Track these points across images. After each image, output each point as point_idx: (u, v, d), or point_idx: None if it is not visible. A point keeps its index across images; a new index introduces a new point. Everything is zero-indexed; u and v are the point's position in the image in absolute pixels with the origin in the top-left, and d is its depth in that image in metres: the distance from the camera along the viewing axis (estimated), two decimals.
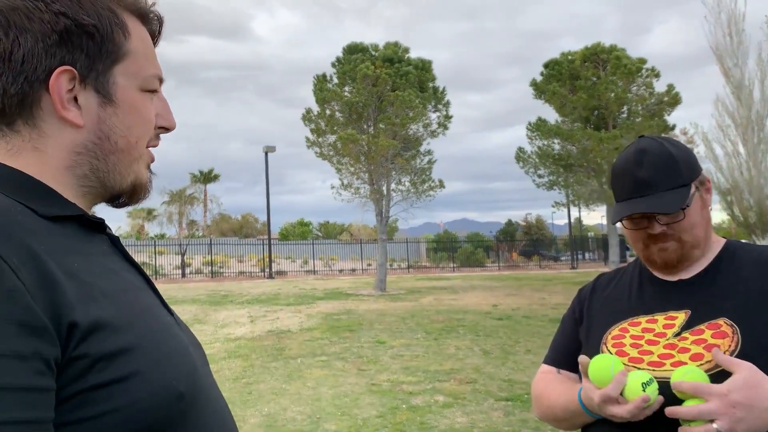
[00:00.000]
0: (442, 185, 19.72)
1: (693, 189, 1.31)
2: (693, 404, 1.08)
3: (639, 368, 1.23)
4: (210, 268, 30.11)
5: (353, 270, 31.94)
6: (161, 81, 0.78)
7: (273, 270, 27.81)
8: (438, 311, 13.19)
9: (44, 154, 0.70)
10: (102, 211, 0.83)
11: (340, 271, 31.77)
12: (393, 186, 19.37)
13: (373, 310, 13.49)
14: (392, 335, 10.19)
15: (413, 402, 6.15)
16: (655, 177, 1.29)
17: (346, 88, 18.98)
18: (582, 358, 1.21)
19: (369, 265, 32.70)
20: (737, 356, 1.14)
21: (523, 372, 7.28)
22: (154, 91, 0.78)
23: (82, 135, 0.71)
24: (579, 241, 42.37)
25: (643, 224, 1.32)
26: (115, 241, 0.77)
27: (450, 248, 39.17)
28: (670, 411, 1.09)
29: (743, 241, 1.46)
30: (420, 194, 19.46)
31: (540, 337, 9.64)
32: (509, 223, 62.98)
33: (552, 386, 1.41)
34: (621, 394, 1.15)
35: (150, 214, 59.82)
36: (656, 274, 1.37)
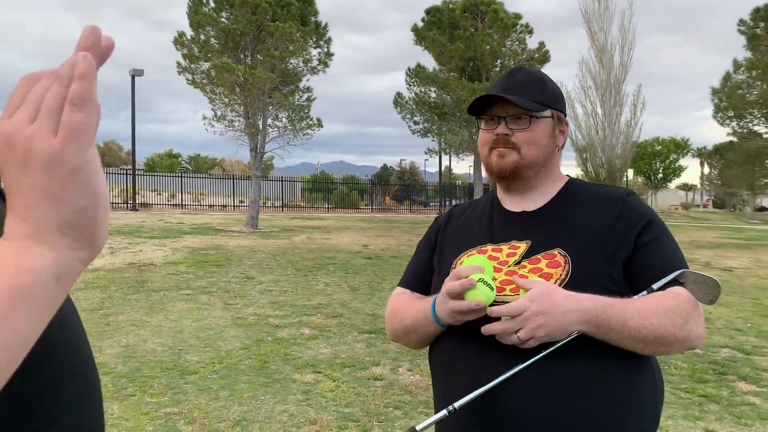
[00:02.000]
0: (320, 125, 19.50)
1: (550, 114, 1.41)
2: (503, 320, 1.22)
3: None
4: None
5: (224, 206, 31.05)
6: None
7: (137, 202, 26.40)
8: (310, 249, 13.33)
9: None
10: None
11: (210, 206, 30.78)
12: (269, 121, 18.86)
13: (243, 247, 13.31)
14: (262, 271, 10.17)
15: (279, 335, 6.24)
16: (521, 86, 1.40)
17: (224, 14, 17.97)
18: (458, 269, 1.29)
19: (241, 202, 31.97)
20: (566, 284, 1.24)
21: (386, 307, 7.60)
22: None
23: None
24: (447, 188, 44.06)
25: (493, 126, 1.40)
26: None
27: (325, 189, 39.17)
28: (486, 329, 1.23)
29: (581, 180, 1.56)
30: (297, 132, 19.13)
31: None
32: (384, 167, 64.08)
33: (405, 302, 1.47)
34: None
35: None
36: (505, 205, 1.46)
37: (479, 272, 1.24)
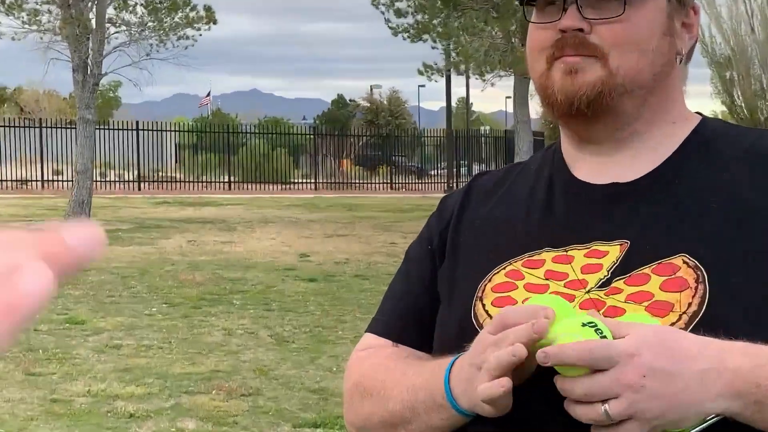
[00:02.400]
0: (211, 19, 19.41)
1: None
2: (578, 374, 1.19)
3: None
4: None
5: (23, 182, 30.93)
6: None
7: None
8: (194, 265, 13.57)
9: None
10: None
11: (1, 182, 30.61)
12: (111, 13, 18.68)
13: None
14: (99, 309, 10.38)
15: None
16: None
17: None
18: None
19: (57, 173, 31.78)
20: (701, 320, 1.27)
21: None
22: None
23: None
24: (464, 139, 43.89)
25: (554, 16, 1.43)
26: None
27: (225, 146, 38.84)
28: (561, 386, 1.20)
29: (724, 121, 1.61)
30: (167, 33, 18.99)
31: None
32: (340, 102, 63.73)
33: (387, 368, 1.50)
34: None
35: None
36: (577, 173, 1.50)
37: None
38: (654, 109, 1.46)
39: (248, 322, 9.97)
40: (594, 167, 1.48)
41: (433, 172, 43.98)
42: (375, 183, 40.23)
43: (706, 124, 1.50)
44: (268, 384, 7.60)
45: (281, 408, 6.92)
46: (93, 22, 18.24)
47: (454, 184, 36.17)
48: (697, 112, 1.54)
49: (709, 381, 1.18)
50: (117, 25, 18.92)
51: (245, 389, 7.39)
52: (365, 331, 1.62)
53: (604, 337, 1.19)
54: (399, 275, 1.64)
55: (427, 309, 1.54)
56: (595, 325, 1.20)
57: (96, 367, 7.91)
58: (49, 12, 18.34)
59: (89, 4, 18.13)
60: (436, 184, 39.72)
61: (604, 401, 1.17)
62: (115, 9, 18.83)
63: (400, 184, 40.49)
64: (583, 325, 1.21)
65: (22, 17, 18.37)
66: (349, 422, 1.57)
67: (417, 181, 41.76)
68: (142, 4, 19.03)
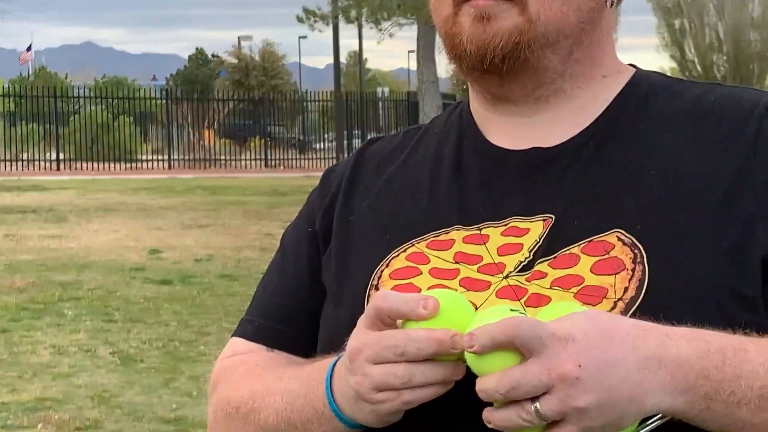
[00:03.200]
0: None
1: None
2: (502, 365, 1.15)
3: None
4: None
5: None
6: None
7: None
8: (13, 266, 13.42)
9: None
10: None
11: None
12: None
13: None
14: None
15: None
16: None
17: None
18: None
19: None
20: (640, 307, 1.27)
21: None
22: None
23: None
24: (357, 104, 43.82)
25: None
26: None
27: (52, 115, 38.34)
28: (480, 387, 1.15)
29: (663, 74, 1.62)
30: None
31: None
32: (199, 58, 63.40)
33: (262, 376, 1.50)
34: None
35: None
36: (491, 137, 1.53)
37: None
38: (581, 61, 1.49)
39: (84, 336, 9.95)
40: (511, 130, 1.51)
41: (318, 146, 43.48)
42: (245, 160, 39.47)
43: (642, 77, 1.53)
44: (110, 414, 7.66)
45: None
46: None
47: (343, 155, 35.77)
48: (631, 65, 1.57)
49: (651, 371, 1.18)
50: None
51: (80, 421, 7.41)
52: (232, 335, 1.60)
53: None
54: (273, 266, 1.63)
55: (308, 305, 1.54)
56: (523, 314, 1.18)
57: None
58: None
59: None
60: (322, 161, 38.75)
61: (533, 399, 1.13)
62: None
63: (278, 161, 39.63)
64: (511, 310, 1.18)
65: None
66: None
67: (299, 156, 41.15)
68: None
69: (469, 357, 1.17)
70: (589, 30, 1.49)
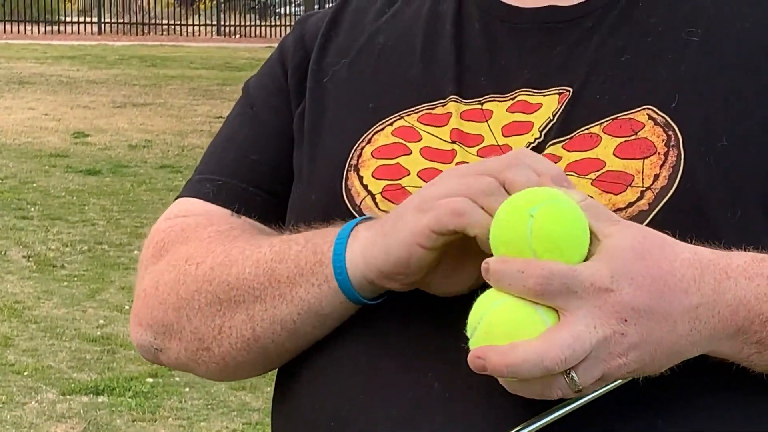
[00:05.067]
0: None
1: None
2: (524, 331, 0.75)
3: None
4: None
5: None
6: None
7: None
8: None
9: None
10: None
11: None
12: None
13: None
14: None
15: None
16: None
17: None
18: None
19: None
20: (671, 199, 0.87)
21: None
22: None
23: None
24: None
25: None
26: None
27: None
28: (474, 357, 0.75)
29: None
30: None
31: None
32: None
33: (233, 237, 0.99)
34: None
35: None
36: None
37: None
38: None
39: None
40: None
41: (282, 10, 31.84)
42: (193, 25, 28.18)
43: None
44: (23, 330, 5.66)
45: (44, 366, 5.13)
46: None
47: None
48: None
49: (702, 321, 0.81)
50: None
51: None
52: (178, 197, 1.06)
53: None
54: (237, 118, 1.07)
55: (274, 164, 1.02)
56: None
57: None
58: None
59: None
60: (287, 27, 25.81)
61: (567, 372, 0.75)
62: None
63: (232, 27, 27.71)
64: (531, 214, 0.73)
65: None
66: (146, 324, 0.97)
67: (258, 23, 28.99)
68: None
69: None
70: None
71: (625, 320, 0.71)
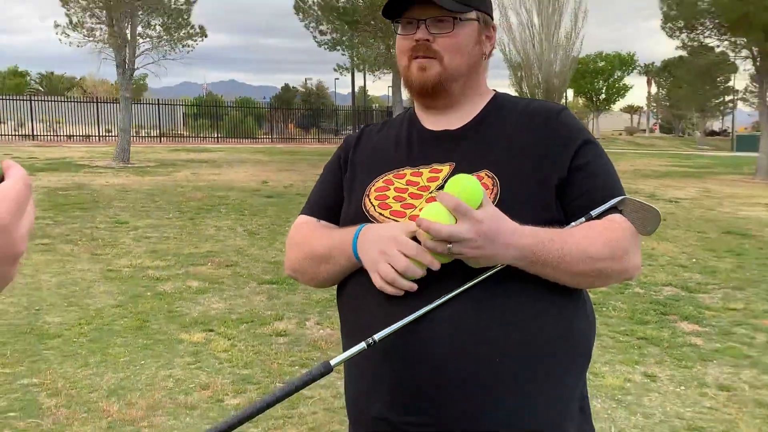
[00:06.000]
0: (204, 34, 18.86)
1: (475, 16, 1.43)
2: (442, 221, 1.20)
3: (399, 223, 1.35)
4: None
5: (86, 137, 29.97)
6: None
7: None
8: (196, 188, 13.20)
9: None
10: None
11: (69, 137, 29.58)
12: (140, 30, 18.04)
13: (113, 185, 13.10)
14: (136, 215, 10.03)
15: (160, 288, 6.22)
16: None
17: None
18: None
19: (108, 131, 30.91)
20: (498, 201, 1.29)
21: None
22: None
23: None
24: (362, 113, 43.98)
25: (411, 31, 1.41)
26: None
27: (214, 115, 38.26)
28: (421, 222, 1.20)
29: (512, 94, 1.61)
30: (175, 43, 18.44)
31: None
32: (286, 88, 62.93)
33: (317, 230, 1.48)
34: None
35: None
36: (424, 124, 1.49)
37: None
38: (469, 87, 1.46)
39: (230, 222, 9.67)
40: (434, 121, 1.48)
41: (343, 132, 43.85)
42: (308, 138, 39.90)
43: (498, 95, 1.51)
44: (242, 259, 7.42)
45: (251, 273, 6.81)
46: (128, 35, 17.65)
47: None
48: (494, 89, 1.53)
49: (510, 249, 1.22)
50: (144, 37, 18.30)
51: (228, 262, 7.26)
52: (299, 214, 1.57)
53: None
54: (320, 179, 1.59)
55: (338, 199, 1.51)
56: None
57: (135, 250, 7.79)
58: (101, 29, 17.64)
59: (126, 24, 17.49)
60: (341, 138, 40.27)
61: (449, 243, 1.19)
62: (142, 27, 18.20)
63: (324, 139, 40.19)
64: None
65: (83, 32, 17.66)
66: (288, 263, 1.52)
67: (334, 137, 41.54)
68: (159, 24, 18.44)
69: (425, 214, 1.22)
70: (473, 71, 1.47)
71: (479, 234, 1.18)
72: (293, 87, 62.55)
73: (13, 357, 4.39)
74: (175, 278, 6.56)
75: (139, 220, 9.57)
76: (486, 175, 1.34)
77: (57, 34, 17.73)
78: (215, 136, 35.37)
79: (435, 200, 1.26)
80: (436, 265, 1.22)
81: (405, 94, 31.29)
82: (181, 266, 7.06)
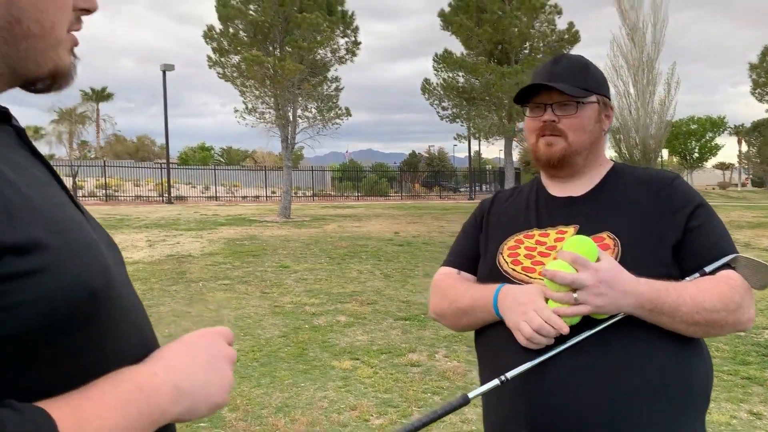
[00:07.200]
0: (348, 114, 19.54)
1: (595, 99, 1.42)
2: (568, 271, 1.18)
3: (531, 278, 1.32)
4: (104, 191, 28.61)
5: (257, 197, 31.27)
6: None
7: (172, 195, 26.84)
8: (342, 237, 13.33)
9: None
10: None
11: (244, 198, 31.02)
12: (299, 112, 18.97)
13: (277, 236, 13.44)
14: (296, 260, 10.24)
15: (316, 322, 6.32)
16: (565, 72, 1.41)
17: (251, 6, 18.07)
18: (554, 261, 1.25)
19: (273, 192, 32.27)
20: (620, 258, 1.25)
21: (420, 294, 7.61)
22: None
23: None
24: (478, 174, 43.81)
25: (539, 113, 1.41)
26: (20, 133, 0.72)
27: (355, 177, 39.42)
28: (546, 271, 1.20)
29: (625, 163, 1.59)
30: (327, 122, 19.21)
31: (438, 262, 9.75)
32: (413, 154, 63.90)
33: (459, 283, 1.46)
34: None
35: (37, 132, 55.37)
36: (550, 191, 1.47)
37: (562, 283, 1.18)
38: (591, 159, 1.44)
39: (369, 266, 9.71)
40: (559, 188, 1.46)
41: (462, 189, 43.77)
42: (431, 195, 40.04)
43: (615, 165, 1.47)
44: (380, 298, 7.40)
45: (388, 310, 6.78)
46: (291, 117, 18.61)
47: (473, 196, 35.96)
48: (611, 159, 1.50)
49: (628, 297, 1.18)
50: (302, 118, 19.24)
51: (369, 300, 7.26)
52: (441, 265, 1.55)
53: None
54: (460, 236, 1.58)
55: (476, 254, 1.50)
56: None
57: (295, 289, 7.98)
58: (269, 112, 18.72)
59: (289, 108, 18.49)
60: (462, 195, 39.43)
61: (574, 290, 1.17)
62: (301, 110, 19.15)
63: (445, 195, 40.15)
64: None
65: (256, 115, 18.79)
66: (432, 308, 1.51)
67: (453, 194, 41.52)
68: (314, 108, 19.34)
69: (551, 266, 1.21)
70: (595, 146, 1.44)
71: (600, 282, 1.14)
72: (418, 153, 63.42)
73: None
74: (327, 314, 6.65)
75: (298, 265, 9.79)
76: (608, 236, 1.30)
77: (236, 117, 18.97)
78: (356, 194, 36.30)
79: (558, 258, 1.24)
80: (565, 330, 1.19)
81: (515, 156, 31.22)
82: (331, 303, 7.13)
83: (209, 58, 18.19)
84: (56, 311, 0.60)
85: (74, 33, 0.73)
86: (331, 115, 19.27)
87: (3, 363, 0.57)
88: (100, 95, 57.27)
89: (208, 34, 18.10)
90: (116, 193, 29.19)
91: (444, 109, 23.61)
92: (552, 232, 1.38)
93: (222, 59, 18.16)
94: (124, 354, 0.69)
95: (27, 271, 0.57)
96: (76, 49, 0.74)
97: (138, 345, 0.73)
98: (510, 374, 1.19)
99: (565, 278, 1.17)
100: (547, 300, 1.22)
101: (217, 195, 31.05)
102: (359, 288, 8.09)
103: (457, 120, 23.83)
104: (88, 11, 0.74)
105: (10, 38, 0.65)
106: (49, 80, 0.71)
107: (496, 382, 1.20)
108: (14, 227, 0.58)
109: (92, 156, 52.30)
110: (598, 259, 1.18)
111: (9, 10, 0.64)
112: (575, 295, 1.16)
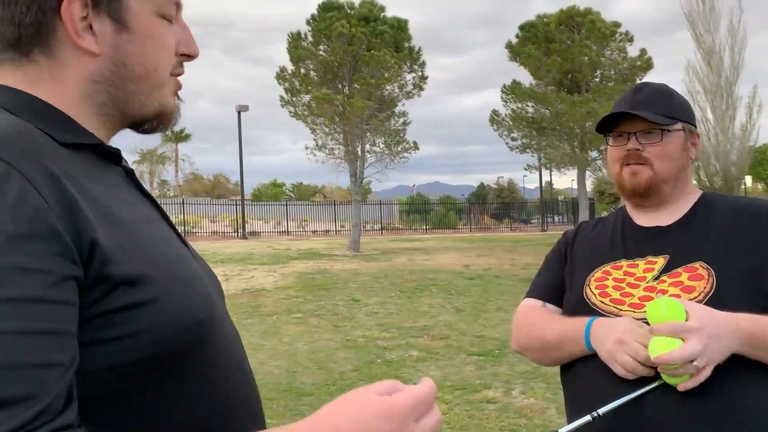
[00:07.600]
0: (416, 147, 19.70)
1: (680, 127, 1.39)
2: (672, 348, 1.11)
3: (620, 309, 1.29)
4: (182, 228, 29.83)
5: (327, 231, 31.81)
6: (179, 6, 0.75)
7: (246, 230, 27.67)
8: (411, 271, 13.28)
9: (62, 84, 0.69)
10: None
11: (314, 232, 31.63)
12: (367, 147, 19.31)
13: (348, 270, 13.57)
14: (366, 294, 10.29)
15: (388, 357, 6.32)
16: (648, 101, 1.39)
17: (321, 47, 18.68)
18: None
19: (342, 226, 32.63)
20: (712, 297, 1.21)
21: (494, 328, 7.50)
22: (171, 18, 0.75)
23: (98, 63, 0.70)
24: (549, 205, 42.90)
25: (622, 142, 1.39)
26: (130, 174, 0.77)
27: (423, 210, 39.47)
28: (658, 361, 1.12)
29: (715, 192, 1.53)
30: (394, 156, 19.44)
31: (510, 296, 9.65)
32: (481, 186, 63.50)
33: (546, 316, 1.44)
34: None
35: None
36: (636, 221, 1.44)
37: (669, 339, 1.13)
38: (678, 187, 1.41)
39: (440, 300, 9.61)
40: (645, 218, 1.43)
41: (533, 221, 42.93)
42: (501, 227, 39.36)
43: (705, 194, 1.44)
44: (453, 333, 7.32)
45: (461, 345, 6.69)
46: (359, 152, 18.96)
47: (545, 227, 35.29)
48: (701, 188, 1.47)
49: (731, 337, 1.14)
50: (370, 153, 19.56)
51: (441, 335, 7.18)
52: (525, 297, 1.53)
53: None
54: (543, 268, 1.56)
55: (560, 286, 1.48)
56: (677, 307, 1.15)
57: (366, 323, 8.02)
58: (339, 148, 19.12)
59: (358, 143, 18.86)
60: (534, 227, 38.64)
61: (691, 361, 1.11)
62: (369, 146, 19.48)
63: (516, 227, 39.41)
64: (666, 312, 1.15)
65: (326, 151, 19.23)
66: (517, 345, 1.49)
67: (524, 226, 40.72)
68: (383, 143, 19.63)
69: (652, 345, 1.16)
70: (682, 173, 1.41)
71: (708, 338, 1.08)
72: (487, 185, 62.94)
73: (277, 411, 4.63)
74: (399, 348, 6.64)
75: (369, 298, 9.82)
76: (701, 266, 1.27)
77: (307, 154, 19.45)
78: (424, 227, 36.31)
79: (652, 299, 1.22)
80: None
81: (589, 186, 30.60)
82: (403, 338, 7.12)
83: (281, 97, 18.87)
84: (166, 340, 0.63)
85: (178, 78, 0.79)
86: (399, 149, 19.49)
87: (119, 389, 0.61)
88: (179, 136, 60.13)
89: (281, 75, 18.81)
90: (194, 230, 30.36)
91: (513, 139, 23.41)
92: (641, 263, 1.34)
93: (293, 98, 18.79)
94: (225, 380, 0.72)
95: (140, 302, 0.62)
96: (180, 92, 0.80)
97: (237, 371, 0.76)
98: (602, 410, 1.16)
99: (681, 358, 1.11)
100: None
101: (289, 230, 31.70)
102: (431, 322, 8.00)
103: (527, 150, 23.56)
104: (191, 57, 0.79)
105: (118, 81, 0.71)
106: (155, 120, 0.77)
107: (587, 418, 1.16)
108: (125, 261, 0.62)
109: (171, 194, 54.78)
110: (687, 315, 1.14)
111: (116, 55, 0.70)
112: (695, 363, 1.11)
